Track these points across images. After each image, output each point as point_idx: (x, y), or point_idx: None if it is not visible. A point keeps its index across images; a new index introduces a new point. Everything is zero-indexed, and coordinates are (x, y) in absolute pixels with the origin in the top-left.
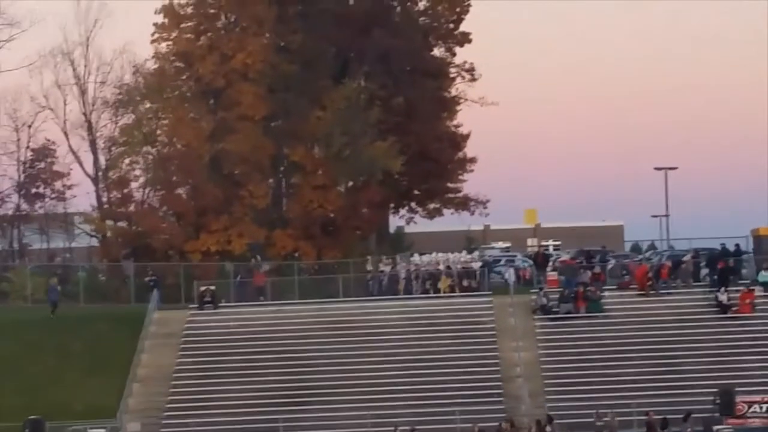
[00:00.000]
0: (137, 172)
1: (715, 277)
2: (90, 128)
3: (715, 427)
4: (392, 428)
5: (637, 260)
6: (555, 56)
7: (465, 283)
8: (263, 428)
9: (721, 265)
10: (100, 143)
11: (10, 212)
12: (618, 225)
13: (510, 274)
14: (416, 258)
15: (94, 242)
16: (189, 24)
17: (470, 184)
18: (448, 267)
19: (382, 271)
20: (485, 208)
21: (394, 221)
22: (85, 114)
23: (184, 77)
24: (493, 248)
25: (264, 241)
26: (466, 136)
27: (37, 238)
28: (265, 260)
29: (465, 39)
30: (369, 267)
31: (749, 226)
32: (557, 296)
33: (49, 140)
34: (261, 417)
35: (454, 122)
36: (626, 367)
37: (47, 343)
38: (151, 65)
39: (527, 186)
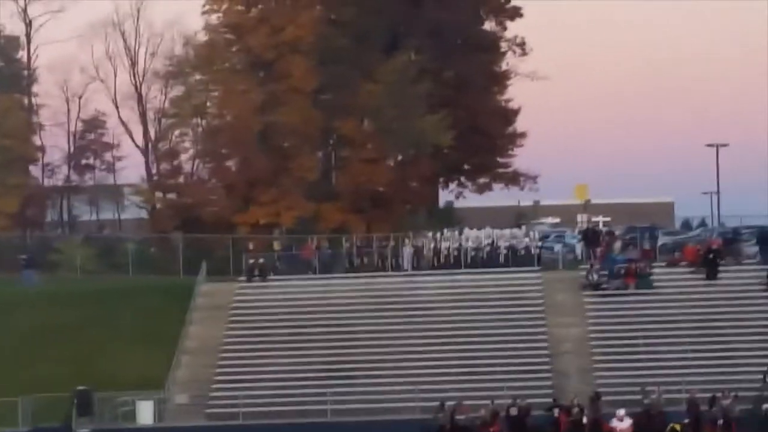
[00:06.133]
0: (187, 144)
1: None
2: (140, 100)
3: (765, 406)
4: (439, 403)
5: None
6: (606, 31)
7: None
8: (310, 401)
9: None
10: (150, 115)
11: (60, 183)
12: (668, 201)
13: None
14: (466, 233)
15: (144, 214)
16: None
17: (520, 159)
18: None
19: (419, 246)
20: (535, 183)
21: (444, 196)
22: (135, 85)
23: (234, 49)
24: (542, 224)
25: (313, 214)
26: (517, 111)
27: (86, 209)
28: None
29: (516, 13)
30: (411, 241)
31: None
32: (606, 272)
33: (99, 111)
34: (308, 390)
35: (505, 97)
36: (675, 345)
37: (95, 314)
38: (202, 37)
39: (578, 162)
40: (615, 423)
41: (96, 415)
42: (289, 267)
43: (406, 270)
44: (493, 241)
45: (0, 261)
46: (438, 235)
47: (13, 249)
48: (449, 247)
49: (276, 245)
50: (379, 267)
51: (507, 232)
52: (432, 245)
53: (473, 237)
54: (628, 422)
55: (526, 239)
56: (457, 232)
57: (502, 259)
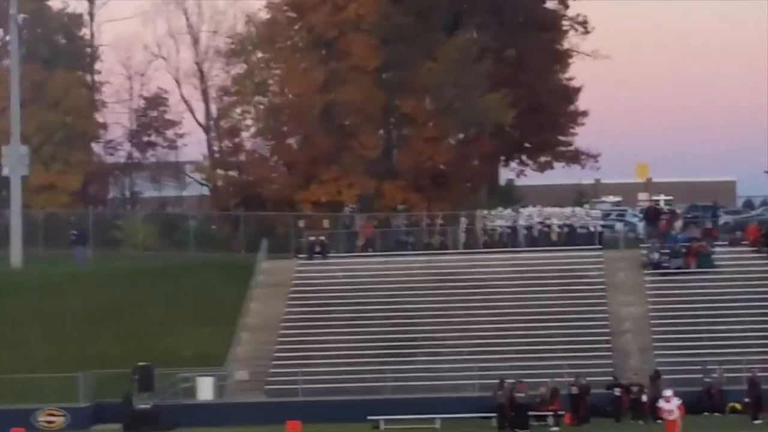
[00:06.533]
0: (248, 122)
1: None
2: (202, 77)
3: None
4: (498, 381)
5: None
6: (667, 8)
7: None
8: (369, 378)
9: None
10: (212, 92)
11: (122, 160)
12: (730, 180)
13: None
14: (525, 211)
15: (205, 191)
16: None
17: (582, 137)
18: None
19: (472, 224)
20: (596, 161)
21: (505, 174)
22: (197, 63)
23: (296, 27)
24: (604, 202)
25: (373, 192)
26: (578, 89)
27: (148, 186)
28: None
29: None
30: (465, 220)
31: None
32: (668, 251)
33: (161, 89)
34: (367, 368)
35: (566, 75)
36: (736, 324)
37: (156, 291)
38: (264, 15)
39: (639, 140)
40: (662, 404)
41: (156, 391)
42: (341, 244)
43: (458, 249)
44: (545, 220)
45: (61, 238)
46: (491, 213)
47: (75, 226)
48: (502, 226)
49: (326, 223)
50: (429, 245)
51: (566, 210)
52: (483, 224)
53: (525, 215)
54: (675, 402)
55: (587, 218)
56: (509, 210)
57: (554, 237)
